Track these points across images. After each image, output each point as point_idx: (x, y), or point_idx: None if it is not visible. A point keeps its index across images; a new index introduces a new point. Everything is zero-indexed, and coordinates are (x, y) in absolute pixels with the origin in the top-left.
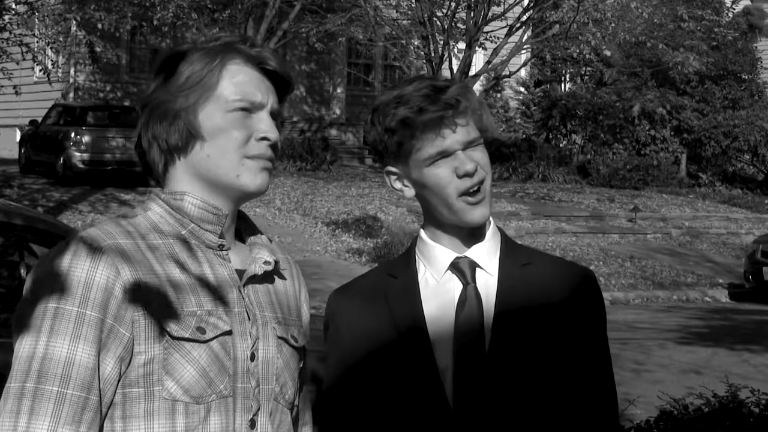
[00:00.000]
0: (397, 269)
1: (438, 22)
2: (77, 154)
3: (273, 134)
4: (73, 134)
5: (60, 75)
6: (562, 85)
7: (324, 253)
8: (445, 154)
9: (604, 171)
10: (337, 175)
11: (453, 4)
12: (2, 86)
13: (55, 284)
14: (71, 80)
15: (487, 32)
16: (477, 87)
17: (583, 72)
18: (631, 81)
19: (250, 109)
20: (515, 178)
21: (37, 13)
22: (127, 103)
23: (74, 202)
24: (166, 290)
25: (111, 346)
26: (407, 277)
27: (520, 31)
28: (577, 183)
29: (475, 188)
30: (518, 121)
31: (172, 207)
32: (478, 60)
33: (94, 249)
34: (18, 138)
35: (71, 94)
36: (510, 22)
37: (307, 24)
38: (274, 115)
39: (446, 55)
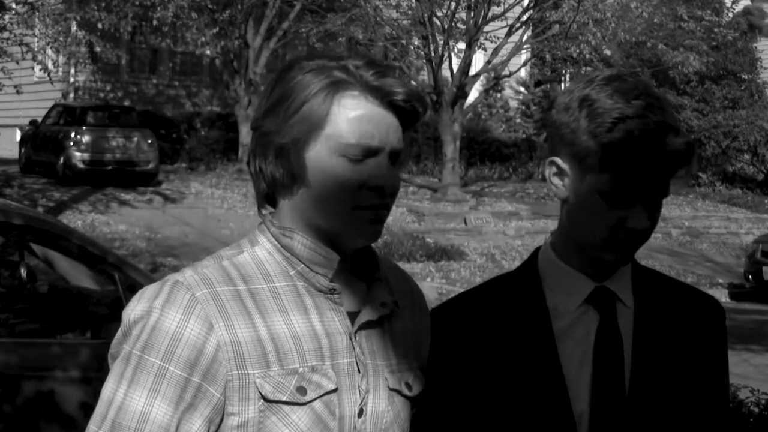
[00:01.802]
0: (519, 292)
1: (438, 22)
2: (77, 153)
3: (390, 183)
4: (73, 134)
5: (60, 75)
6: (562, 85)
7: None
8: None
9: None
10: None
11: (453, 4)
12: (3, 86)
13: (143, 330)
14: (71, 80)
15: (487, 32)
16: (477, 87)
17: (583, 72)
18: None
19: (364, 155)
20: (515, 178)
21: (37, 13)
22: (127, 103)
23: (74, 201)
24: (265, 346)
25: (199, 405)
26: (536, 306)
27: (520, 31)
28: None
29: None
30: (518, 121)
31: (282, 244)
32: (478, 60)
33: (188, 299)
34: (18, 138)
35: (71, 94)
36: (510, 22)
37: (307, 24)
38: (394, 155)
39: (446, 55)
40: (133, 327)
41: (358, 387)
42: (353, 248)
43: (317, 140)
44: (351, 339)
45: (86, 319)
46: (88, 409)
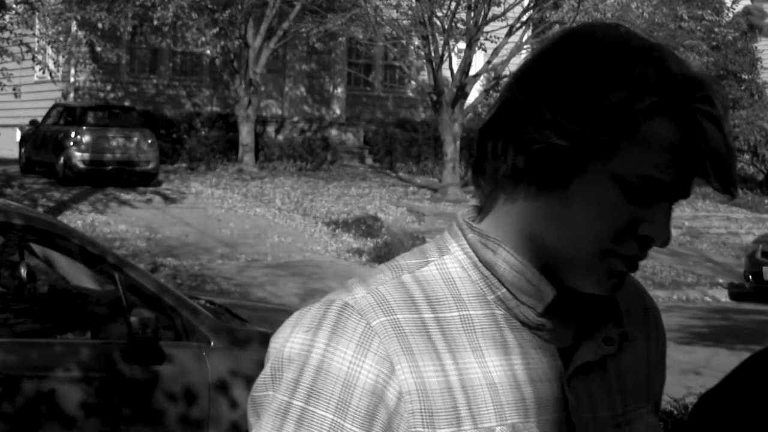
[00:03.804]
0: None
1: (438, 22)
2: (78, 153)
3: (664, 238)
4: (73, 134)
5: (60, 75)
6: None
7: (324, 252)
8: None
9: None
10: (337, 175)
11: (453, 4)
12: (3, 86)
13: (303, 372)
14: (71, 80)
15: (487, 32)
16: (477, 87)
17: None
18: None
19: (648, 194)
20: None
21: (37, 13)
22: (127, 103)
23: (74, 201)
24: (456, 397)
25: None
26: None
27: (520, 31)
28: None
29: None
30: None
31: (480, 258)
32: (478, 60)
33: (363, 330)
34: (18, 138)
35: (71, 94)
36: (510, 22)
37: (307, 24)
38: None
39: (446, 55)
40: (287, 367)
41: None
42: (572, 288)
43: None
44: (564, 387)
45: (86, 319)
46: (88, 409)
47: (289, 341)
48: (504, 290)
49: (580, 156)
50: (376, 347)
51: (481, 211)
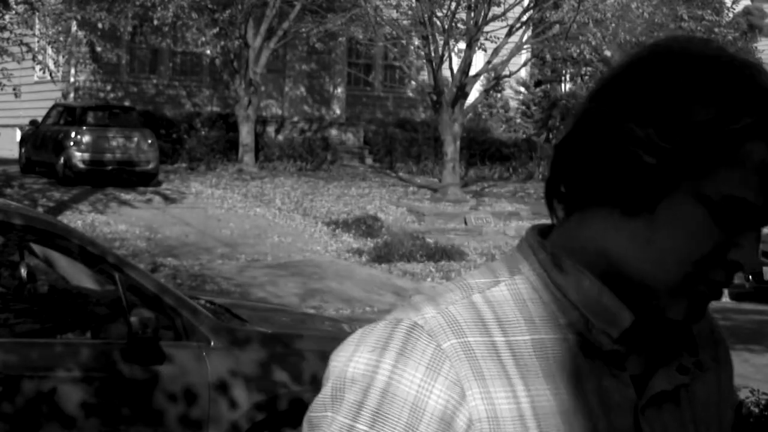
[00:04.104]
0: None
1: (438, 22)
2: (78, 153)
3: (753, 263)
4: (73, 134)
5: (60, 75)
6: (562, 85)
7: (324, 252)
8: None
9: None
10: (337, 175)
11: (453, 4)
12: (3, 86)
13: (367, 394)
14: (71, 80)
15: (487, 32)
16: (477, 87)
17: (583, 72)
18: None
19: (738, 218)
20: (515, 178)
21: (37, 13)
22: (127, 103)
23: (74, 201)
24: (527, 425)
25: None
26: None
27: (520, 31)
28: None
29: None
30: (518, 121)
31: (552, 279)
32: (478, 60)
33: (432, 352)
34: (18, 138)
35: (71, 94)
36: (510, 22)
37: (307, 24)
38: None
39: (446, 55)
40: (350, 388)
41: None
42: (649, 313)
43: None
44: (638, 417)
45: (86, 319)
46: (88, 409)
47: (352, 361)
48: (577, 314)
49: (669, 176)
50: (446, 371)
51: (553, 230)
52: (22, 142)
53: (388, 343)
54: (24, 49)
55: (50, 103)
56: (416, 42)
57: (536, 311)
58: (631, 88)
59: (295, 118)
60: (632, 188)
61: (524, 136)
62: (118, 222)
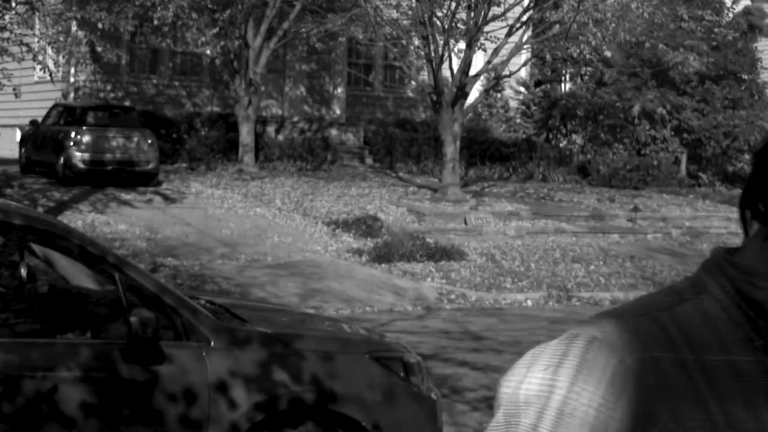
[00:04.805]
0: None
1: (438, 22)
2: (78, 153)
3: None
4: (73, 134)
5: (60, 75)
6: (562, 85)
7: (324, 252)
8: None
9: (605, 171)
10: (337, 175)
11: (453, 4)
12: (3, 86)
13: (542, 416)
14: (71, 80)
15: (487, 32)
16: (477, 87)
17: (583, 72)
18: (631, 81)
19: None
20: (515, 178)
21: (37, 13)
22: (127, 103)
23: (75, 201)
24: None
25: None
26: None
27: (520, 31)
28: (578, 183)
29: None
30: (518, 121)
31: (744, 297)
32: (478, 60)
33: (614, 368)
34: (18, 138)
35: (71, 94)
36: (510, 22)
37: (307, 24)
38: None
39: (446, 55)
40: (524, 411)
41: None
42: None
43: None
44: None
45: (86, 319)
46: (88, 409)
47: (524, 383)
48: None
49: None
50: (632, 390)
51: (743, 248)
52: (22, 142)
53: (564, 359)
54: (24, 49)
55: (50, 103)
56: (416, 42)
57: (727, 332)
58: None
59: (295, 118)
60: None
61: (524, 136)
62: (118, 222)
